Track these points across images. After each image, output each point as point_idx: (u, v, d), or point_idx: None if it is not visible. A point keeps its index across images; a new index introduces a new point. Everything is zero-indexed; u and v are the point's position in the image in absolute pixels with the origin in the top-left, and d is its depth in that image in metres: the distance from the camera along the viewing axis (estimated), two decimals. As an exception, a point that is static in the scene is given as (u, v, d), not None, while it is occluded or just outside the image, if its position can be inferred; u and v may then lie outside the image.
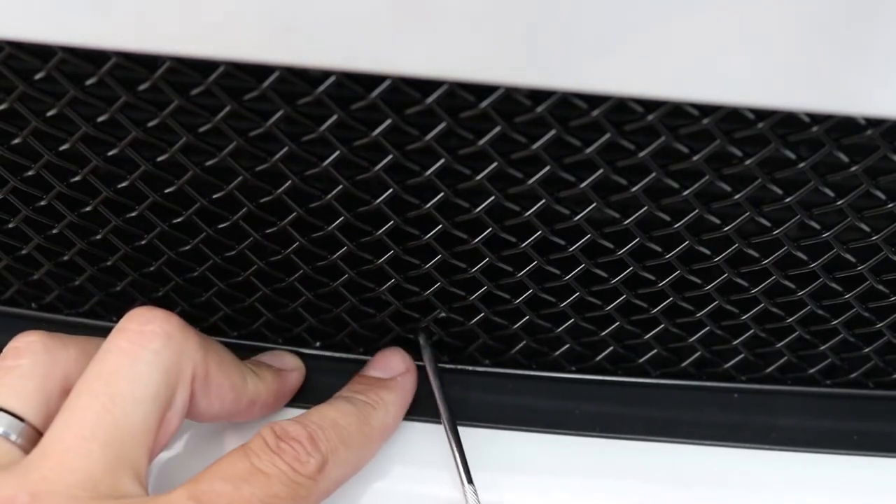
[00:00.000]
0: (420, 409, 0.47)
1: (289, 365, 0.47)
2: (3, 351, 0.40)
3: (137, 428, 0.37)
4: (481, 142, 0.39)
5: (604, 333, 0.47)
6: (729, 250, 0.43)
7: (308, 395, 0.47)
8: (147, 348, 0.39)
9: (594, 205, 0.41)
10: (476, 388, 0.49)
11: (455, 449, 0.44)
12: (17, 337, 0.41)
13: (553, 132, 0.38)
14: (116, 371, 0.38)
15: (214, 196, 0.43)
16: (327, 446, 0.40)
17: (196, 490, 0.37)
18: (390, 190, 0.42)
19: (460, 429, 0.46)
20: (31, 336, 0.40)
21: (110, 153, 0.42)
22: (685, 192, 0.41)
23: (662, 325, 0.47)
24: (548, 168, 0.40)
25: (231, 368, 0.42)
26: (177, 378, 0.39)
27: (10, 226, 0.46)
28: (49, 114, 0.40)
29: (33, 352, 0.40)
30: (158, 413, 0.38)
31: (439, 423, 0.46)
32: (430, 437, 0.46)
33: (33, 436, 0.38)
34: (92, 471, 0.36)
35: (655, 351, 0.48)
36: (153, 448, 0.39)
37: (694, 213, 0.41)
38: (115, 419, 0.37)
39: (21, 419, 0.38)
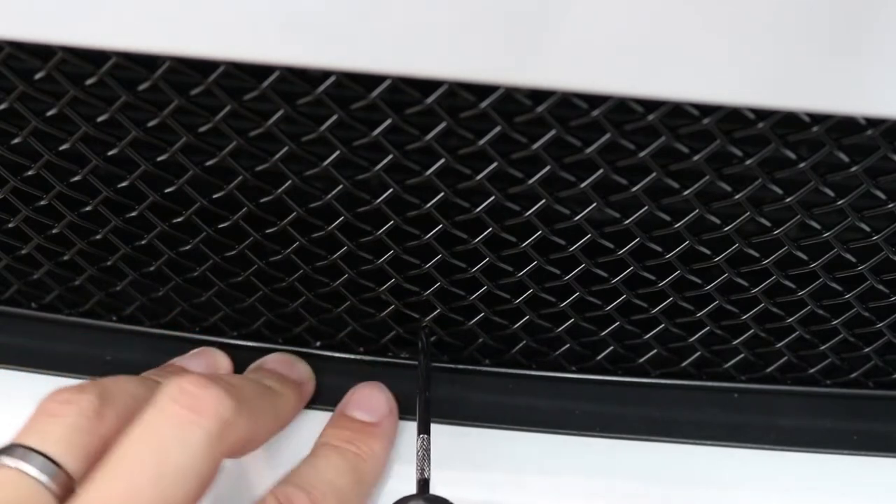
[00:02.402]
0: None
1: (304, 376, 0.47)
2: (49, 396, 0.39)
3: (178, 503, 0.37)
4: (481, 142, 0.39)
5: (604, 333, 0.47)
6: (729, 250, 0.43)
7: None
8: (203, 428, 0.37)
9: (594, 205, 0.41)
10: (476, 388, 0.49)
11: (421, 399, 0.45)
12: (63, 389, 0.40)
13: (553, 132, 0.39)
14: (166, 445, 0.37)
15: (214, 196, 0.43)
16: None
17: None
18: (390, 190, 0.42)
19: (460, 429, 0.46)
20: (82, 391, 0.39)
21: (110, 153, 0.42)
22: (685, 192, 0.41)
23: (662, 325, 0.47)
24: (548, 168, 0.40)
25: (268, 418, 0.42)
26: (221, 458, 0.38)
27: (10, 226, 0.46)
28: (49, 114, 0.40)
29: (83, 405, 0.39)
30: (199, 492, 0.38)
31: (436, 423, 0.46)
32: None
33: (69, 486, 0.37)
34: None
35: (655, 351, 0.48)
36: None
37: (694, 213, 0.41)
38: (162, 493, 0.36)
39: (59, 466, 0.37)
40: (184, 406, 0.38)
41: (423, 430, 0.43)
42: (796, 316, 0.46)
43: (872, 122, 0.38)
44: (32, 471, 0.37)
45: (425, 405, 0.44)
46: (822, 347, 0.47)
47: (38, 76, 0.39)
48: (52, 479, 0.37)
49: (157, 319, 0.49)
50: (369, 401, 0.46)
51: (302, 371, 0.47)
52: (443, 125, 0.39)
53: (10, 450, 0.38)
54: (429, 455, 0.42)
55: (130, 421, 0.39)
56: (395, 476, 0.45)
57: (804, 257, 0.43)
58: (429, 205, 0.42)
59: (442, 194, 0.42)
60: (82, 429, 0.38)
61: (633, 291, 0.46)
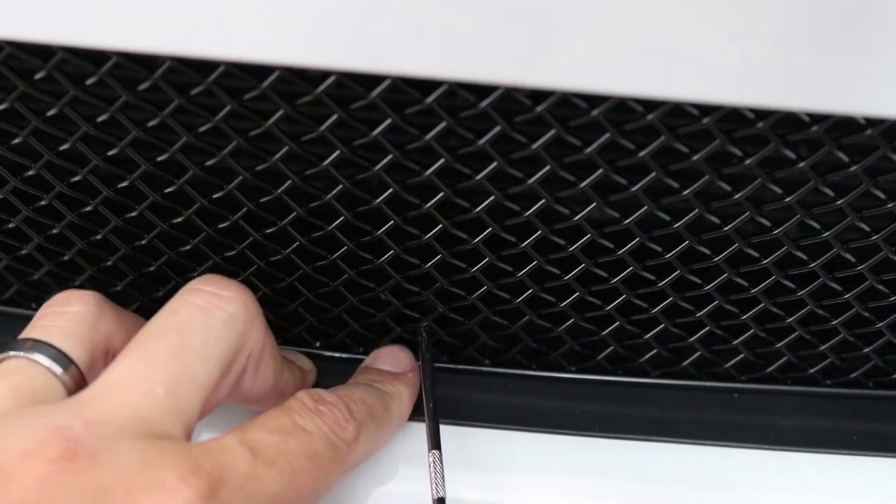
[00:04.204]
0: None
1: (307, 366, 0.47)
2: (52, 298, 0.40)
3: (200, 384, 0.37)
4: (481, 141, 0.39)
5: (604, 333, 0.47)
6: (729, 250, 0.43)
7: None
8: (224, 310, 0.38)
9: (594, 204, 0.41)
10: (476, 388, 0.49)
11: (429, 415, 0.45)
12: (62, 292, 0.41)
13: (553, 132, 0.39)
14: (189, 325, 0.38)
15: (214, 196, 0.43)
16: (361, 417, 0.41)
17: (245, 437, 0.36)
18: (390, 190, 0.42)
19: (460, 429, 0.46)
20: (81, 291, 0.40)
21: (110, 153, 0.42)
22: (685, 192, 0.41)
23: (662, 325, 0.47)
24: (548, 168, 0.40)
25: (278, 355, 0.42)
26: (241, 348, 0.39)
27: (11, 226, 0.46)
28: (49, 114, 0.40)
29: (84, 303, 0.40)
30: (219, 376, 0.38)
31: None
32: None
33: (79, 378, 0.38)
34: (150, 411, 0.35)
35: (655, 351, 0.48)
36: (203, 410, 0.38)
37: (694, 212, 0.41)
38: (182, 369, 0.36)
39: (68, 358, 0.38)
40: (208, 292, 0.38)
41: (434, 444, 0.43)
42: (796, 316, 0.46)
43: (872, 122, 0.38)
44: (43, 359, 0.37)
45: (433, 415, 0.44)
46: (822, 347, 0.47)
47: (38, 76, 0.39)
48: (65, 372, 0.37)
49: (157, 319, 0.49)
50: (394, 357, 0.47)
51: (304, 362, 0.47)
52: (443, 125, 0.39)
53: (17, 343, 0.38)
54: (442, 472, 0.42)
55: (128, 328, 0.40)
56: (400, 477, 0.45)
57: (804, 257, 0.43)
58: (429, 205, 0.42)
59: (442, 194, 0.42)
60: (85, 322, 0.39)
61: (632, 291, 0.46)
